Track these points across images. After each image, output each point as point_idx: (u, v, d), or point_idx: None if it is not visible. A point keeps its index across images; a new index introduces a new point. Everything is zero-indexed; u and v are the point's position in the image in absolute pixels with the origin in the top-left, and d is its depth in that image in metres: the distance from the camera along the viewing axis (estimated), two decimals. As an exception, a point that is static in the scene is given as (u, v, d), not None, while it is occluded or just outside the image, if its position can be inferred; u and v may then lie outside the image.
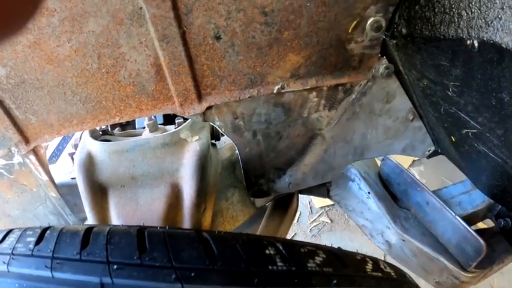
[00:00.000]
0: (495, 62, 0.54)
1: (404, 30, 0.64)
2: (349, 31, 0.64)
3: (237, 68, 0.64)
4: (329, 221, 2.31)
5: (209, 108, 0.67)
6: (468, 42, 0.55)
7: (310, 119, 0.74)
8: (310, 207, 2.41)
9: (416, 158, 2.60)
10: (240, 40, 0.61)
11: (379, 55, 0.69)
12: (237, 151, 0.76)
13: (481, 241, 0.78)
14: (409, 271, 0.86)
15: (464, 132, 0.72)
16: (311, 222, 2.32)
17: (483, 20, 0.53)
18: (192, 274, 0.39)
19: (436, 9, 0.58)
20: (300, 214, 2.36)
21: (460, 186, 0.96)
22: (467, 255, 0.81)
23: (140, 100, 0.65)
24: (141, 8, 0.55)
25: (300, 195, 1.02)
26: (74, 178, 0.78)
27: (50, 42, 0.55)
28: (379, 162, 1.04)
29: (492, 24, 0.51)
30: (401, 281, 0.55)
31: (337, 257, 0.49)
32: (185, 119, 0.74)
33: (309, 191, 0.96)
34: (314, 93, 0.70)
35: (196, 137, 0.72)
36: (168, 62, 0.61)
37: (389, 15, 0.64)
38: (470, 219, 0.89)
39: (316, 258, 0.45)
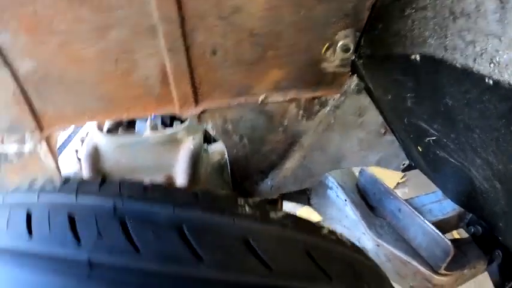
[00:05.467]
0: (434, 72, 0.80)
1: (367, 51, 0.91)
2: (322, 53, 0.92)
3: (228, 79, 0.90)
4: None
5: (203, 112, 0.93)
6: (412, 57, 0.82)
7: (290, 127, 1.00)
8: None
9: (401, 180, 3.02)
10: (232, 56, 0.88)
11: (350, 73, 0.96)
12: (226, 155, 1.01)
13: (448, 242, 1.00)
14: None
15: (426, 140, 0.96)
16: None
17: (422, 38, 0.79)
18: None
19: (389, 32, 0.86)
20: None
21: (432, 196, 1.21)
22: (437, 257, 1.03)
23: (147, 101, 0.91)
24: (155, 24, 0.82)
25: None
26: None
27: (77, 45, 0.80)
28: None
29: (428, 41, 0.78)
30: (355, 249, 0.77)
31: (297, 217, 0.72)
32: (182, 122, 1.00)
33: (291, 198, 1.20)
34: (293, 105, 0.97)
35: (191, 138, 0.98)
36: (173, 70, 0.87)
37: (356, 39, 0.91)
38: (441, 226, 1.11)
39: (278, 213, 0.69)
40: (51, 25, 0.79)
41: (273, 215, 0.68)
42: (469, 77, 0.74)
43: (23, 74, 0.83)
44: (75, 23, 0.79)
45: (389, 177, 2.89)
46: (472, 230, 1.12)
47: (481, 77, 0.71)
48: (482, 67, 0.71)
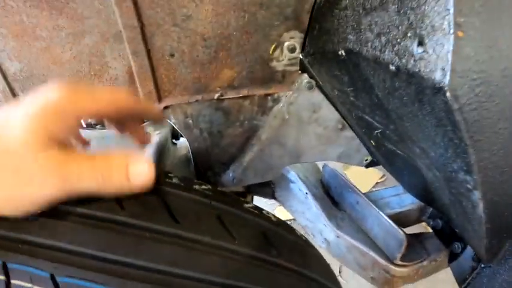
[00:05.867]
0: (357, 65, 0.89)
1: (311, 51, 1.01)
2: (270, 53, 1.03)
3: (186, 78, 1.04)
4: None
5: (166, 107, 1.07)
6: (340, 52, 0.91)
7: (246, 122, 1.11)
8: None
9: (380, 180, 3.03)
10: (187, 58, 1.01)
11: (300, 71, 1.06)
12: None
13: (402, 232, 1.05)
14: (349, 269, 1.15)
15: (374, 134, 1.04)
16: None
17: (344, 35, 0.89)
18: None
19: (323, 32, 0.96)
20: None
21: (392, 190, 1.26)
22: (392, 248, 1.08)
23: (117, 98, 1.06)
24: (120, 31, 0.97)
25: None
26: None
27: (57, 49, 0.97)
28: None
29: (348, 37, 0.87)
30: (277, 223, 0.86)
31: (222, 192, 0.83)
32: (151, 118, 1.15)
33: (256, 192, 1.29)
34: (248, 101, 1.08)
35: (158, 132, 1.11)
36: (137, 71, 1.01)
37: (301, 40, 1.01)
38: (400, 219, 1.16)
39: (202, 186, 0.81)
40: (35, 32, 0.96)
41: (196, 187, 0.80)
42: (380, 66, 0.82)
43: (11, 74, 1.01)
44: (55, 30, 0.94)
45: (368, 177, 2.92)
46: (431, 222, 1.16)
47: (387, 65, 0.79)
48: (386, 56, 0.79)
